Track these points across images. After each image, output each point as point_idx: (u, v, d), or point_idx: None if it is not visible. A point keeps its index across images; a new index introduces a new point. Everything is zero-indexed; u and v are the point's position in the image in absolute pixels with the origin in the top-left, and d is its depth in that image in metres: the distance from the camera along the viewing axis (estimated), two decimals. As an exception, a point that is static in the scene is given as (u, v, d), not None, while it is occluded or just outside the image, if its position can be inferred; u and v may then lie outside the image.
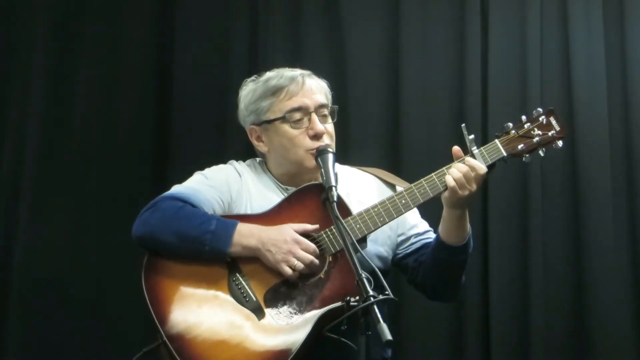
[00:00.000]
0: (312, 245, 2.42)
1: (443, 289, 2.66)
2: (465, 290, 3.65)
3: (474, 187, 2.45)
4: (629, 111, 3.74)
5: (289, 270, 2.40)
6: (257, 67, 3.57)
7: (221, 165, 2.70)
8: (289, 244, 2.41)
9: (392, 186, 2.72)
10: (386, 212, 2.48)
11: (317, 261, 2.42)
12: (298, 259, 2.40)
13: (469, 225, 2.55)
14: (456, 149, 2.51)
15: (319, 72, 2.70)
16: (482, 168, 2.47)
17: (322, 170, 2.47)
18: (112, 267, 3.71)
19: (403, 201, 2.49)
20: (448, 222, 2.51)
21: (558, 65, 3.79)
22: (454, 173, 2.44)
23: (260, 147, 2.67)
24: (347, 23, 3.90)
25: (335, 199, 2.36)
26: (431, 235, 2.67)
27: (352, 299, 2.22)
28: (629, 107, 3.74)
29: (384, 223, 2.48)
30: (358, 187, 2.65)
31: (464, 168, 2.45)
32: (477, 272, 3.67)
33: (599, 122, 3.71)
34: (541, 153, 2.56)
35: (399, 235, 2.66)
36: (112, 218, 3.77)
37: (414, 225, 2.69)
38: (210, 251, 2.42)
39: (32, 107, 3.87)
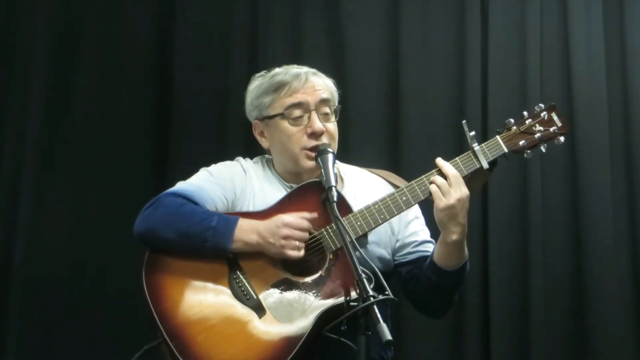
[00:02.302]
0: (303, 221, 2.41)
1: (430, 307, 2.65)
2: (465, 291, 3.65)
3: (453, 199, 2.41)
4: (628, 110, 3.75)
5: (293, 253, 2.39)
6: (257, 67, 3.56)
7: (227, 162, 2.70)
8: (282, 228, 2.40)
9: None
10: (387, 208, 2.47)
11: (307, 236, 2.41)
12: (297, 239, 2.39)
13: (466, 252, 2.50)
14: (437, 160, 2.50)
15: (319, 72, 2.70)
16: (455, 172, 2.44)
17: (322, 170, 2.47)
18: (112, 267, 3.70)
19: (404, 198, 2.48)
20: (444, 244, 2.47)
21: (558, 64, 3.80)
22: (436, 179, 2.43)
23: (263, 142, 2.68)
24: (347, 23, 3.90)
25: (335, 199, 2.36)
26: (429, 248, 2.63)
27: (352, 299, 2.23)
28: (628, 105, 3.75)
29: (384, 220, 2.47)
30: (366, 189, 2.65)
31: (439, 180, 2.43)
32: (477, 272, 3.66)
33: (598, 121, 3.72)
34: (543, 149, 2.55)
35: (397, 240, 2.65)
36: (112, 218, 3.77)
37: (413, 233, 2.66)
38: (211, 247, 2.42)
39: (32, 107, 3.86)
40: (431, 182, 2.44)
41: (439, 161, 2.49)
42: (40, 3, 3.93)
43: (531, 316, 3.65)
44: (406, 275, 2.61)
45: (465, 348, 3.69)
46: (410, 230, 2.66)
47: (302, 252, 2.40)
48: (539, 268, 3.67)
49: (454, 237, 2.43)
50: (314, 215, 2.44)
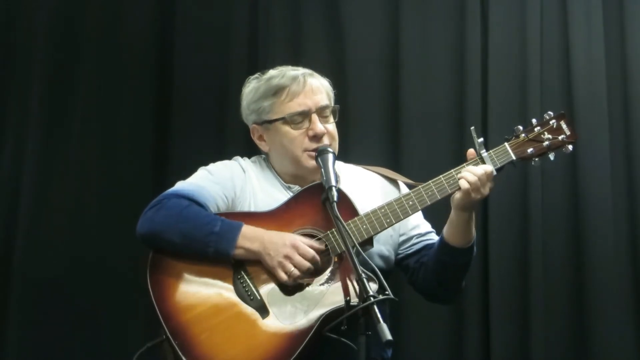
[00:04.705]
0: (311, 252, 2.41)
1: (443, 292, 2.66)
2: (465, 290, 3.64)
3: (487, 190, 2.46)
4: (629, 110, 3.75)
5: (283, 276, 2.40)
6: (257, 67, 3.56)
7: (226, 162, 2.70)
8: (287, 248, 2.40)
9: (395, 183, 2.72)
10: (393, 213, 2.48)
11: (312, 267, 2.41)
12: (295, 265, 2.39)
13: (474, 229, 2.55)
14: (471, 152, 2.52)
15: (318, 70, 2.70)
16: (492, 171, 2.47)
17: (322, 170, 2.47)
18: (113, 265, 3.71)
19: (410, 203, 2.49)
20: (456, 224, 2.51)
21: (558, 65, 3.79)
22: (469, 176, 2.44)
23: (262, 146, 2.68)
24: (347, 23, 3.90)
25: (335, 199, 2.35)
26: (433, 237, 2.68)
27: (352, 299, 2.23)
28: (629, 106, 3.75)
29: (390, 224, 2.48)
30: (362, 186, 2.66)
31: (479, 171, 2.45)
32: (478, 272, 3.66)
33: (599, 122, 3.71)
34: (551, 157, 2.56)
35: (400, 235, 2.66)
36: (112, 218, 3.77)
37: (416, 226, 2.69)
38: (214, 253, 2.43)
39: (32, 106, 3.87)
40: (460, 178, 2.46)
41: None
42: (40, 2, 3.93)
43: (531, 316, 3.65)
44: (415, 265, 2.64)
45: (465, 348, 3.69)
46: (412, 223, 2.68)
47: (290, 279, 2.39)
48: (539, 268, 3.67)
49: (466, 215, 2.48)
50: (320, 217, 2.44)
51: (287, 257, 2.40)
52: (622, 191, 3.72)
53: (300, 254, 2.40)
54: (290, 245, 2.41)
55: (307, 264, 2.40)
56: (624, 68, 3.77)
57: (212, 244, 2.42)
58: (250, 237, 2.43)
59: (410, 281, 2.68)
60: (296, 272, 2.39)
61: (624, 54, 3.77)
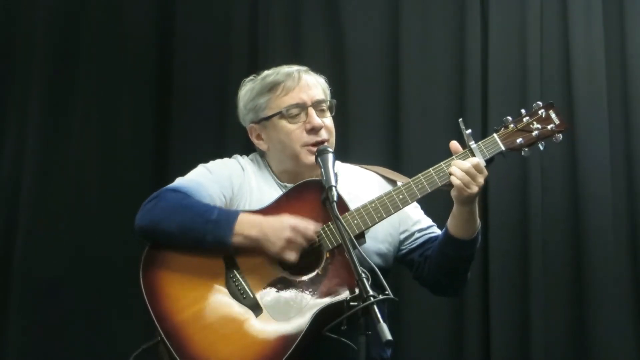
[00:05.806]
0: (311, 229, 2.42)
1: (449, 284, 2.67)
2: (465, 290, 3.63)
3: (481, 182, 2.45)
4: (629, 109, 3.74)
5: (291, 257, 2.40)
6: (257, 66, 3.57)
7: (225, 160, 2.71)
8: (287, 230, 2.40)
9: (393, 182, 2.72)
10: (383, 207, 2.48)
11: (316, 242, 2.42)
12: (299, 244, 2.40)
13: (478, 220, 2.54)
14: (454, 143, 2.51)
15: (318, 70, 2.71)
16: (479, 163, 2.46)
17: (322, 170, 2.47)
18: (111, 266, 3.71)
19: (400, 196, 2.49)
20: (458, 217, 2.51)
21: (558, 63, 3.79)
22: (456, 171, 2.44)
23: (260, 145, 2.68)
24: (347, 23, 3.90)
25: (335, 199, 2.35)
26: (435, 230, 2.68)
27: (352, 299, 2.23)
28: (629, 104, 3.75)
29: (381, 218, 2.48)
30: (359, 185, 2.66)
31: (466, 165, 2.44)
32: (478, 271, 3.66)
33: (598, 121, 3.71)
34: (541, 147, 2.56)
35: (401, 233, 2.67)
36: (112, 218, 3.77)
37: (417, 221, 2.69)
38: (211, 240, 2.42)
39: (32, 107, 3.88)
40: (451, 174, 2.45)
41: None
42: (40, 2, 3.93)
43: (531, 316, 3.64)
44: (419, 259, 2.64)
45: (465, 348, 3.68)
46: (414, 219, 2.69)
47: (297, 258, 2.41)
48: (539, 268, 3.67)
49: (467, 208, 2.48)
50: (313, 214, 2.44)
51: (289, 240, 2.40)
52: (622, 191, 3.72)
53: (301, 234, 2.41)
54: (290, 228, 2.41)
55: (310, 241, 2.41)
56: (624, 68, 3.77)
57: (209, 231, 2.41)
58: (248, 224, 2.42)
59: (415, 276, 2.69)
60: (302, 250, 2.40)
61: (624, 54, 3.77)
